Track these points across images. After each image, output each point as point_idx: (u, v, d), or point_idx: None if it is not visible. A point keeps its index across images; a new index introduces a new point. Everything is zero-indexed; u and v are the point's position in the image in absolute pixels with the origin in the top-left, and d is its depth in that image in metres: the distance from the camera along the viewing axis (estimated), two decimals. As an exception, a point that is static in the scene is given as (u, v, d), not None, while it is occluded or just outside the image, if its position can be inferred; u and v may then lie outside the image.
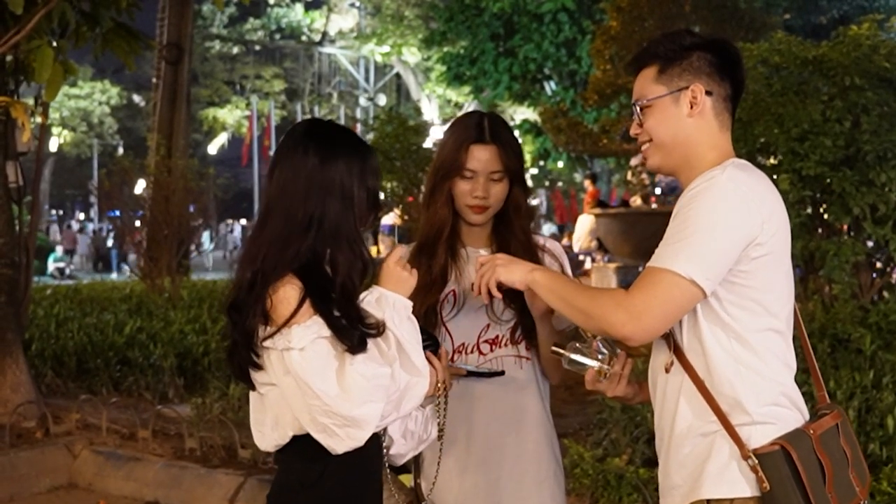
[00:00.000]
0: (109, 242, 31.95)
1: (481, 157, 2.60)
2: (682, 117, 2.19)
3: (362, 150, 2.26)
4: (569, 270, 2.71)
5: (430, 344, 2.34)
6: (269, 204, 2.20)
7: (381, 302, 2.21)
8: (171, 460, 5.79)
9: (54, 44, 6.01)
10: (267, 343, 2.12)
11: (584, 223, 18.74)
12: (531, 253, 2.64)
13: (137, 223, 12.02)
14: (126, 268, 27.04)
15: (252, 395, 2.26)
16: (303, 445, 2.15)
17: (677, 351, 2.14)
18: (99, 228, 37.00)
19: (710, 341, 2.09)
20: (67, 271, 26.70)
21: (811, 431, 2.08)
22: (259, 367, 2.17)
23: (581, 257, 18.92)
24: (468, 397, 2.61)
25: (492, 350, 2.64)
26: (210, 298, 9.92)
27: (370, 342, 2.13)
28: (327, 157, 2.18)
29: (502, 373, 2.60)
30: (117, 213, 13.15)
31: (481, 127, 2.63)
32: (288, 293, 2.11)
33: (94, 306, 9.83)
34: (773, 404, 2.09)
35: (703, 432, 2.10)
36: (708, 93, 2.19)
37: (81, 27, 6.47)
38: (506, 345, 2.65)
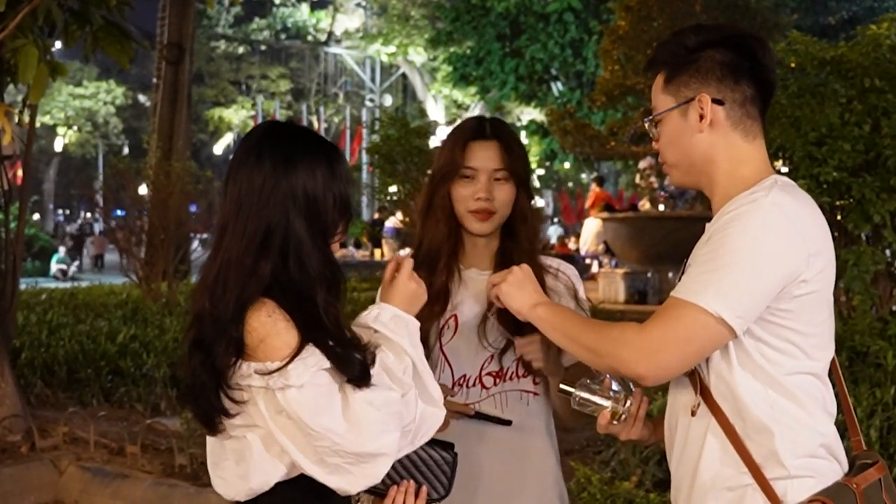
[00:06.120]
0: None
1: (482, 153, 2.34)
2: (692, 132, 1.91)
3: (327, 151, 1.98)
4: (583, 295, 2.44)
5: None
6: (224, 221, 1.92)
7: (396, 322, 1.96)
8: (161, 478, 5.55)
9: (41, 43, 5.78)
10: (257, 382, 1.84)
11: (591, 226, 18.59)
12: (537, 265, 2.35)
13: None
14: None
15: (210, 438, 1.99)
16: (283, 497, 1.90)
17: (704, 392, 1.87)
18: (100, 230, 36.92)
19: (742, 384, 1.83)
20: (72, 269, 26.48)
21: (854, 486, 1.82)
22: (231, 413, 1.88)
23: (588, 261, 18.73)
24: (466, 438, 2.27)
25: (496, 384, 2.35)
26: (208, 304, 9.68)
27: (378, 366, 1.88)
28: (287, 162, 1.91)
29: (509, 423, 2.30)
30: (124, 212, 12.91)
31: (481, 124, 2.40)
32: (274, 323, 1.84)
33: (89, 312, 9.60)
34: (811, 456, 1.83)
35: (731, 485, 1.84)
36: (718, 101, 1.89)
37: (71, 26, 6.22)
38: (511, 378, 2.35)
